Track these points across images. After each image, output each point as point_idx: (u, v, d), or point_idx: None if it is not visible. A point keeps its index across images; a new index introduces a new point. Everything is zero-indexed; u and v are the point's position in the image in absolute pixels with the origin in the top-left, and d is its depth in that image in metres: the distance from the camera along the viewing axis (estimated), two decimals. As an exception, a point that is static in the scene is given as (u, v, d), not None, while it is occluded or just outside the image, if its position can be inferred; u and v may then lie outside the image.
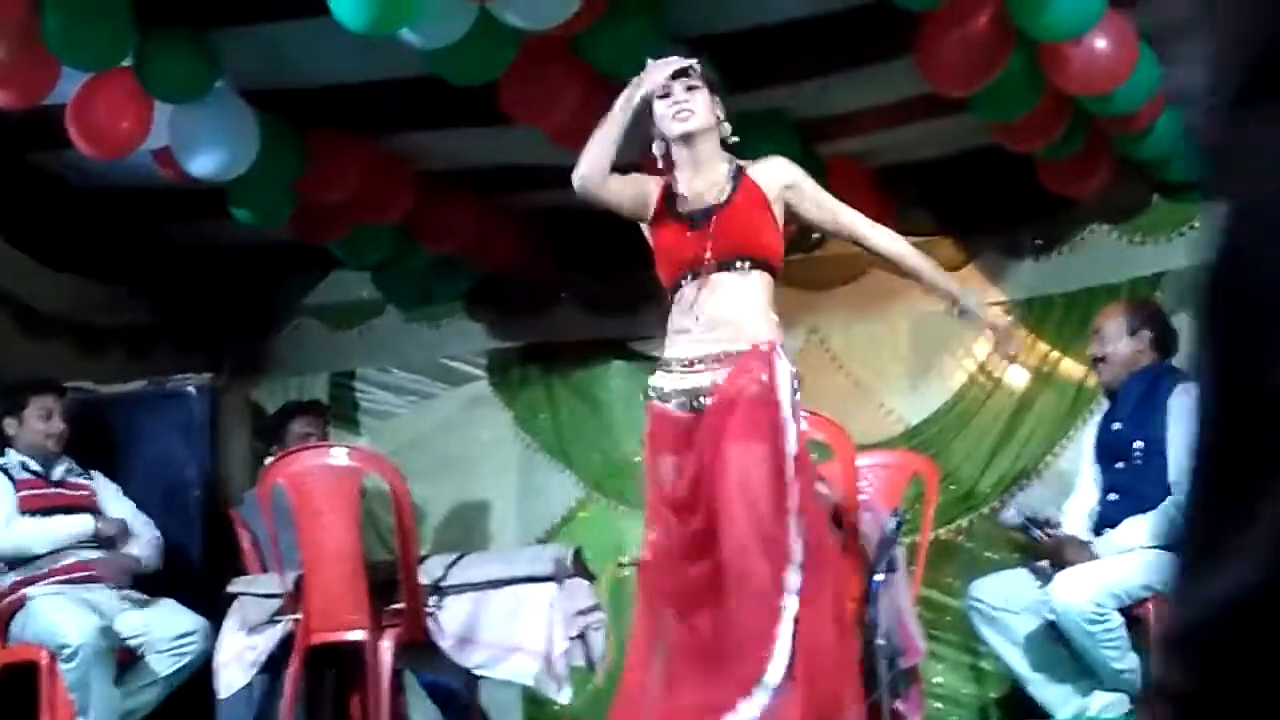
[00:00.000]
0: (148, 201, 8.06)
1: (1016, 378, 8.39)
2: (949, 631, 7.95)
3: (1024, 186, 7.93)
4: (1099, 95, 6.76)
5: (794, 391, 4.90)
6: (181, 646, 6.85)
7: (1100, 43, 6.37)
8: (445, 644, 6.40)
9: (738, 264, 4.98)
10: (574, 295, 9.08)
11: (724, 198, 5.06)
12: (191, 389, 7.86)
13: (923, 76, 6.61)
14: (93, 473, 7.27)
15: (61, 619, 6.59)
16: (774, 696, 4.58)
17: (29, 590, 6.76)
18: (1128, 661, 6.13)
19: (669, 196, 5.13)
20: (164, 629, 6.86)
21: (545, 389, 9.09)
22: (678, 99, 5.08)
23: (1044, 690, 6.44)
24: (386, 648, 6.36)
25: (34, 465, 7.02)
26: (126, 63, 6.32)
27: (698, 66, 5.15)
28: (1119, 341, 6.72)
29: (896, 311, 8.67)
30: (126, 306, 8.84)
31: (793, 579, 4.65)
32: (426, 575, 6.50)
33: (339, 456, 6.67)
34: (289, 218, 7.65)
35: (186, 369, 8.16)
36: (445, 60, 6.10)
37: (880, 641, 5.62)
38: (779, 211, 5.14)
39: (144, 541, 7.14)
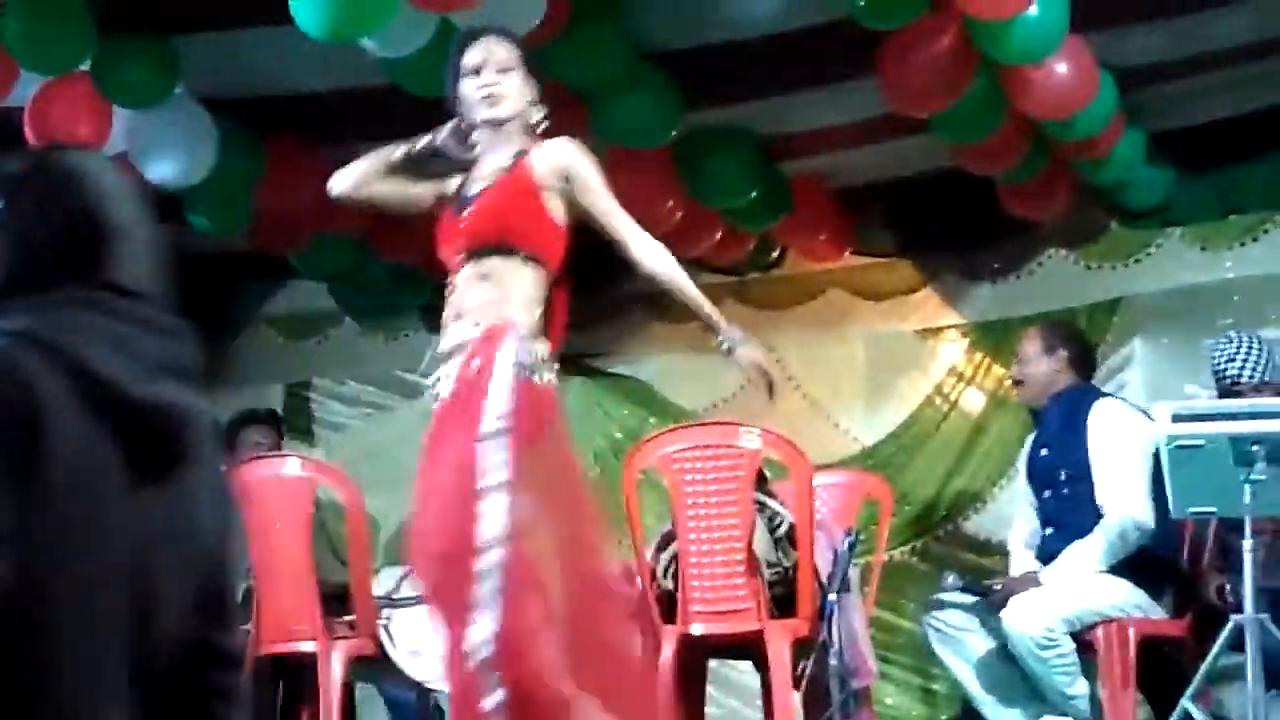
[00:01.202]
0: (104, 207, 8.00)
1: (972, 400, 8.41)
2: (901, 653, 7.96)
3: (984, 209, 7.94)
4: (1059, 119, 6.78)
5: (523, 373, 4.52)
6: None
7: (1061, 67, 6.39)
8: (396, 656, 6.36)
9: (494, 253, 4.62)
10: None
11: (488, 183, 4.66)
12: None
13: (885, 97, 6.61)
14: None
15: None
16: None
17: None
18: (1078, 687, 6.12)
19: (463, 184, 4.78)
20: None
21: (501, 403, 9.04)
22: (487, 81, 4.63)
23: (995, 712, 6.42)
24: (337, 659, 6.31)
25: None
26: (85, 66, 6.28)
27: (513, 43, 4.72)
28: (1036, 362, 6.73)
29: (853, 332, 8.69)
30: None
31: (484, 565, 4.26)
32: (379, 587, 6.47)
33: (291, 467, 6.63)
34: (247, 226, 7.61)
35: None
36: (406, 70, 6.07)
37: (833, 662, 5.60)
38: (552, 199, 4.66)
39: None
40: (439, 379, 4.71)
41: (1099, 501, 6.29)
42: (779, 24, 6.52)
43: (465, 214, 4.66)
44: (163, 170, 6.76)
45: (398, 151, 4.87)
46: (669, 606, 6.01)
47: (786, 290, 8.85)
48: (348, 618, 6.41)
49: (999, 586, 6.46)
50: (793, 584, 5.93)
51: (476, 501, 4.31)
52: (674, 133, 6.94)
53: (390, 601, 6.44)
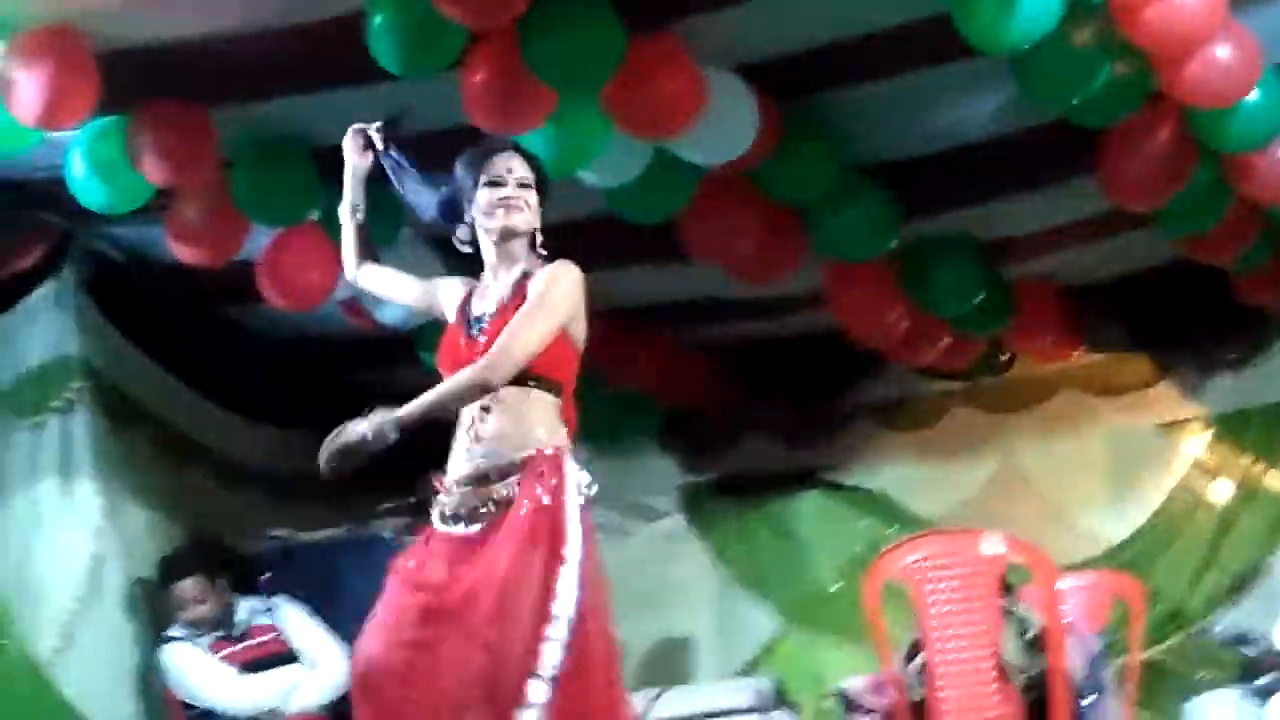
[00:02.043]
0: (338, 350, 8.19)
1: (1219, 493, 8.23)
2: (1164, 754, 7.76)
3: (1216, 299, 7.81)
4: (1288, 203, 6.65)
5: (585, 500, 4.49)
6: None
7: (1286, 151, 6.27)
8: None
9: (510, 382, 4.44)
10: (764, 426, 9.05)
11: (495, 306, 4.52)
12: (387, 534, 7.91)
13: (1106, 193, 6.54)
14: (273, 602, 7.32)
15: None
16: None
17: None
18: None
19: (470, 298, 4.62)
20: None
21: (739, 521, 9.05)
22: (510, 194, 4.47)
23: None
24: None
25: (212, 633, 7.11)
26: (314, 216, 6.45)
27: (534, 166, 4.55)
28: None
29: (1091, 430, 8.57)
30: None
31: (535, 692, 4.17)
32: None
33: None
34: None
35: (382, 513, 8.22)
36: (624, 199, 6.15)
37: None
38: None
39: (327, 671, 7.17)
40: (449, 503, 4.57)
41: None
42: (992, 129, 6.49)
43: (478, 340, 4.50)
44: (393, 312, 6.91)
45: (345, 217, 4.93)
46: (920, 717, 5.93)
47: (1019, 392, 8.76)
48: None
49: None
50: (1046, 689, 5.82)
51: (545, 626, 4.26)
52: (892, 243, 6.91)
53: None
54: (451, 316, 4.63)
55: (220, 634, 7.05)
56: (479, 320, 4.54)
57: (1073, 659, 5.94)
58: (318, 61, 5.79)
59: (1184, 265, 7.49)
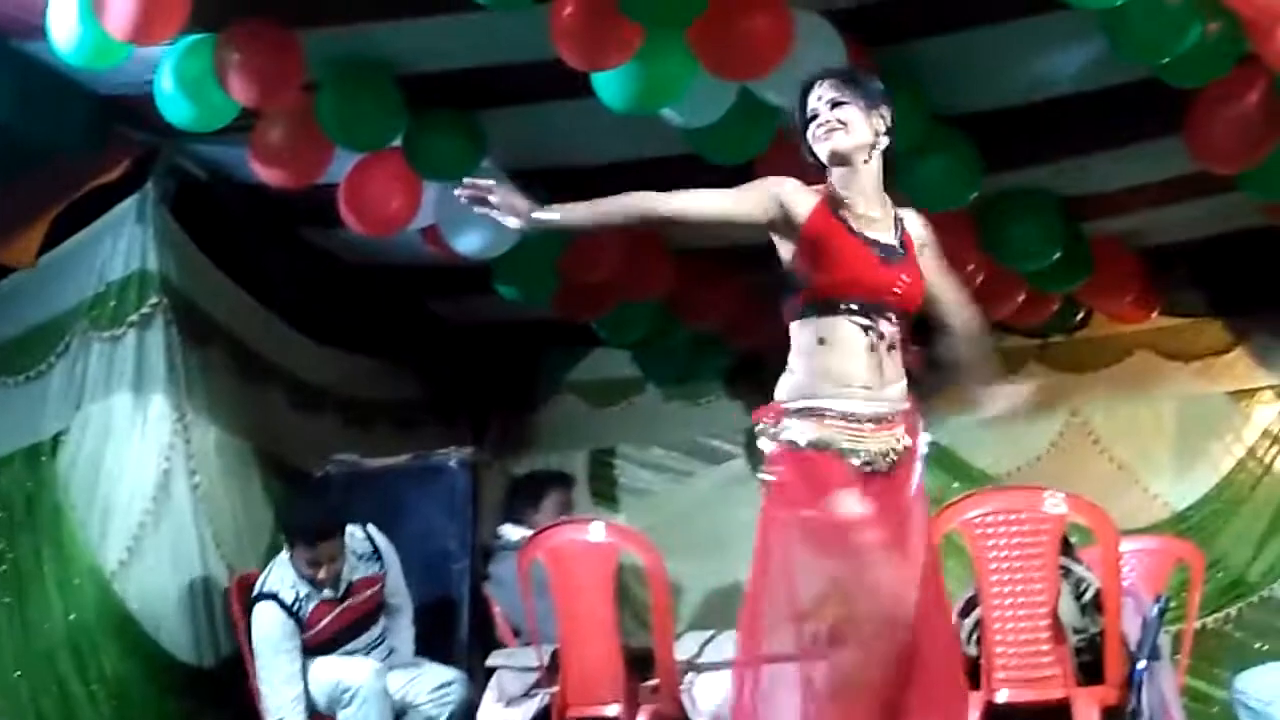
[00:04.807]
0: (415, 278, 8.24)
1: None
2: (1216, 723, 7.75)
3: (1297, 266, 7.76)
4: (1373, 173, 6.58)
5: None
6: (443, 696, 6.94)
7: (1374, 119, 6.21)
8: (694, 720, 6.40)
9: (905, 321, 4.64)
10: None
11: (896, 240, 4.65)
12: (454, 463, 7.97)
13: (1191, 155, 6.49)
14: (379, 546, 7.13)
15: (341, 669, 6.77)
16: None
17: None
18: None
19: (839, 210, 4.61)
20: (425, 682, 6.96)
21: (803, 468, 9.05)
22: (824, 120, 4.61)
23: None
24: (644, 723, 6.36)
25: (320, 593, 6.87)
26: (396, 143, 6.48)
27: (848, 79, 4.68)
28: None
29: (1162, 394, 8.53)
30: (393, 381, 9.02)
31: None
32: (681, 652, 6.51)
33: (596, 532, 6.70)
34: (553, 295, 7.76)
35: (450, 443, 8.28)
36: (706, 139, 6.15)
37: (1143, 730, 5.48)
38: None
39: (403, 638, 7.20)
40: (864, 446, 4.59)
41: None
42: (1080, 84, 6.46)
43: (896, 270, 4.60)
44: (471, 242, 6.96)
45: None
46: (973, 673, 5.93)
47: (1092, 352, 8.72)
48: (651, 682, 6.44)
49: None
50: (1100, 651, 5.82)
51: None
52: (975, 195, 6.89)
53: (693, 666, 6.47)
54: (803, 218, 4.58)
55: (328, 595, 6.85)
56: (890, 249, 4.62)
57: (1129, 622, 5.92)
58: (407, -12, 5.83)
59: (1265, 232, 7.43)
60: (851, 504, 4.51)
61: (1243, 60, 5.87)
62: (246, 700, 6.88)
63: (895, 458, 4.60)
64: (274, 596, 6.81)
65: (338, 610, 6.91)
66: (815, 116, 4.63)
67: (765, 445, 4.61)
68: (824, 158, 4.62)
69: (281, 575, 6.85)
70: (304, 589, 6.81)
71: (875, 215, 4.65)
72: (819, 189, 4.64)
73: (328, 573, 6.81)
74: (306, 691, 6.77)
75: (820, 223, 4.57)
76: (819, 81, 4.68)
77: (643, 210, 4.60)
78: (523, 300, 7.76)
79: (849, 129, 4.60)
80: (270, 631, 6.79)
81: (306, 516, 6.94)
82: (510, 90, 6.52)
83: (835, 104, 4.61)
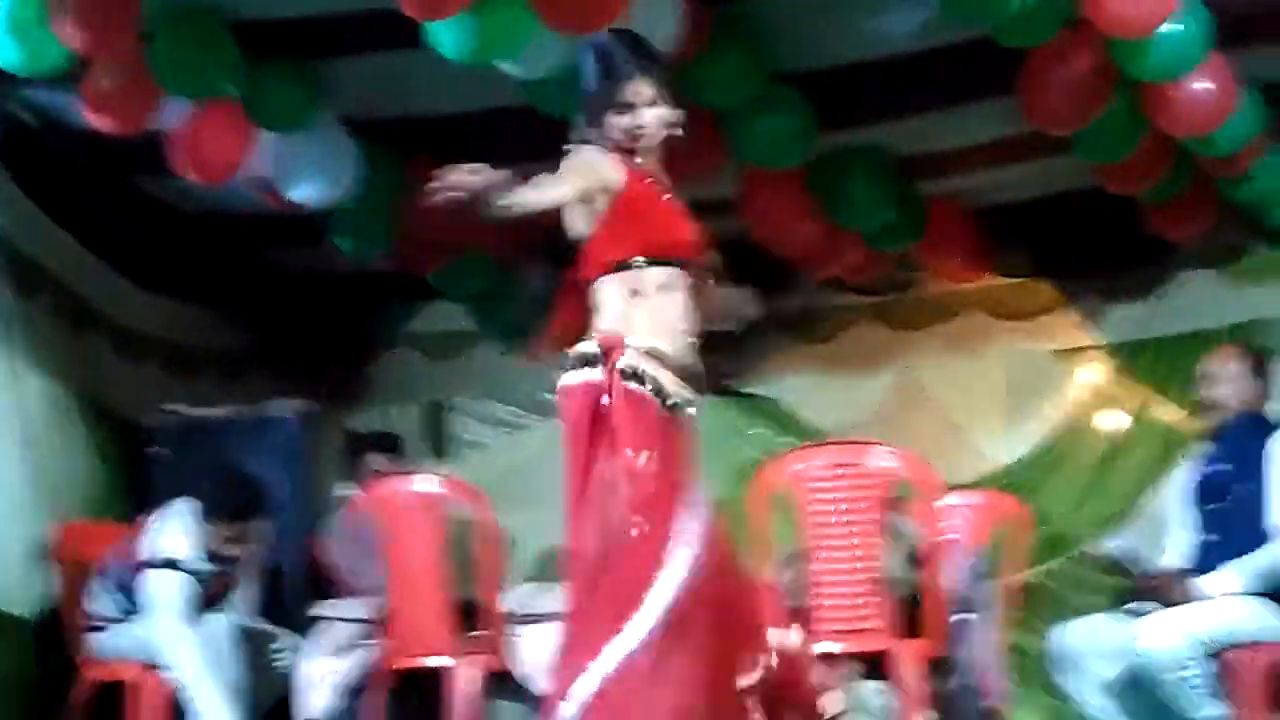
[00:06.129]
0: (253, 227, 8.15)
1: (1111, 422, 8.35)
2: (1034, 675, 7.85)
3: (1124, 229, 7.87)
4: (1200, 136, 6.70)
5: None
6: (276, 656, 6.89)
7: (1201, 84, 6.32)
8: (521, 672, 6.41)
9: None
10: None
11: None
12: (288, 415, 7.91)
13: (1024, 115, 6.58)
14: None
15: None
16: None
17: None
18: (1213, 709, 6.00)
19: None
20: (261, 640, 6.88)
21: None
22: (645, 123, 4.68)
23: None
24: (468, 675, 6.37)
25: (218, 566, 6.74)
26: (230, 91, 6.41)
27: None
28: (1236, 383, 6.52)
29: (991, 352, 8.66)
30: (222, 330, 8.93)
31: None
32: (509, 604, 6.53)
33: (425, 483, 6.70)
34: (388, 247, 7.72)
35: (280, 394, 8.22)
36: (542, 92, 6.14)
37: (962, 682, 5.58)
38: None
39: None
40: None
41: (1267, 525, 6.12)
42: (915, 44, 6.52)
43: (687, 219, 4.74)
44: (305, 191, 6.90)
45: None
46: (798, 623, 5.99)
47: (924, 310, 8.84)
48: (478, 633, 6.45)
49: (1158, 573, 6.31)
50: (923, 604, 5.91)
51: None
52: (810, 153, 6.95)
53: (520, 618, 6.49)
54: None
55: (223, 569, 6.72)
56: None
57: (951, 576, 6.01)
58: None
59: (1095, 194, 7.54)
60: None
61: (1073, 23, 5.96)
62: (70, 651, 6.79)
63: None
64: (165, 563, 6.58)
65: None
66: (631, 108, 4.64)
67: None
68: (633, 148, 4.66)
69: (178, 543, 6.63)
70: (205, 560, 6.63)
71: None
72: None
73: (228, 551, 6.67)
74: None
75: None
76: (635, 76, 4.66)
77: None
78: (357, 252, 7.72)
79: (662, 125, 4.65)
80: (174, 598, 6.55)
81: (237, 493, 6.78)
82: (347, 39, 6.47)
83: (653, 102, 4.64)
